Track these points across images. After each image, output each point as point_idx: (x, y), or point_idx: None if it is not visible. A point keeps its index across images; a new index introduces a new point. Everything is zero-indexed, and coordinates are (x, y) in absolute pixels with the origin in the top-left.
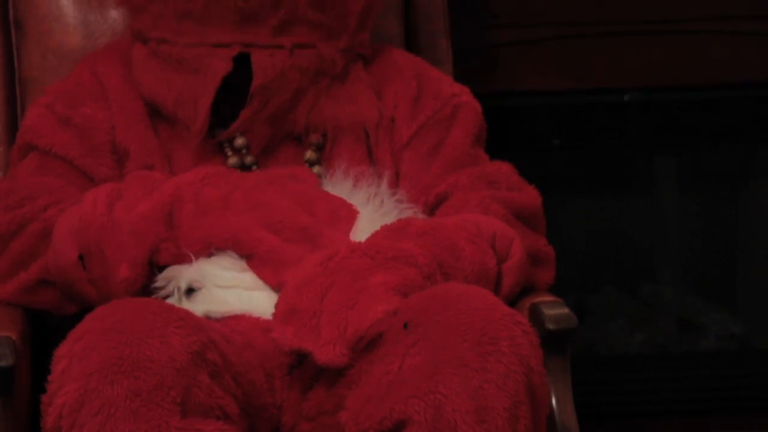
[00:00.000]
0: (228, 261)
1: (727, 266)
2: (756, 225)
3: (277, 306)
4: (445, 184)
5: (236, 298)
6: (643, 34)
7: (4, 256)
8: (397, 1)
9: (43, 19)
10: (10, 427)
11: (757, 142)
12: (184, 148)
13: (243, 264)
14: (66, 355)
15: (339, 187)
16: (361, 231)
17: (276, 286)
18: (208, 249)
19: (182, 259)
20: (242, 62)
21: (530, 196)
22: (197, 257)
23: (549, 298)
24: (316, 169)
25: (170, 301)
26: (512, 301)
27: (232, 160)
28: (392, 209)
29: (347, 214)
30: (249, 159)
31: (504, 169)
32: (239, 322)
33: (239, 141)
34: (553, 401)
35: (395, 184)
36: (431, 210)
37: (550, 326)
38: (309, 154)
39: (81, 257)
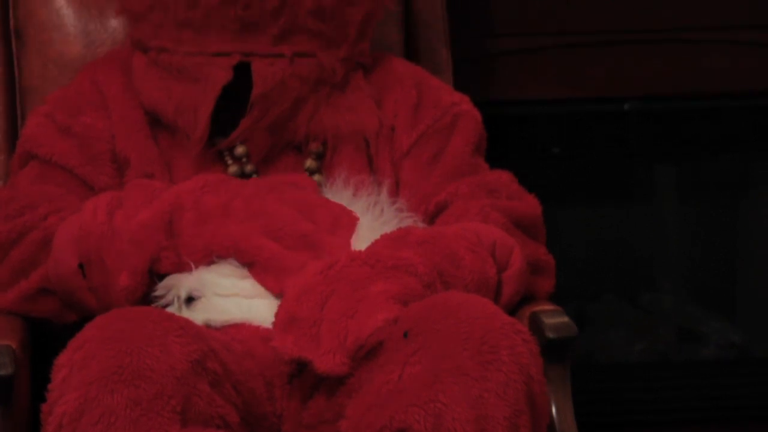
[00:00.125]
0: (228, 269)
1: (727, 275)
2: (755, 234)
3: (277, 315)
4: (445, 192)
5: (236, 307)
6: (643, 43)
7: (4, 265)
8: (397, 9)
9: (44, 29)
10: None
11: (756, 151)
12: (184, 156)
13: (243, 272)
14: (66, 364)
15: (339, 195)
16: (361, 240)
17: (278, 293)
18: (209, 257)
19: (182, 267)
20: (242, 71)
21: (530, 204)
22: (198, 265)
23: (549, 306)
24: (316, 177)
25: (170, 309)
26: (512, 310)
27: (232, 168)
28: (392, 218)
29: (348, 221)
30: (249, 168)
31: (504, 177)
32: (239, 330)
33: (239, 150)
34: (553, 410)
35: (395, 192)
36: (431, 219)
37: (550, 335)
38: (309, 163)
39: (81, 266)
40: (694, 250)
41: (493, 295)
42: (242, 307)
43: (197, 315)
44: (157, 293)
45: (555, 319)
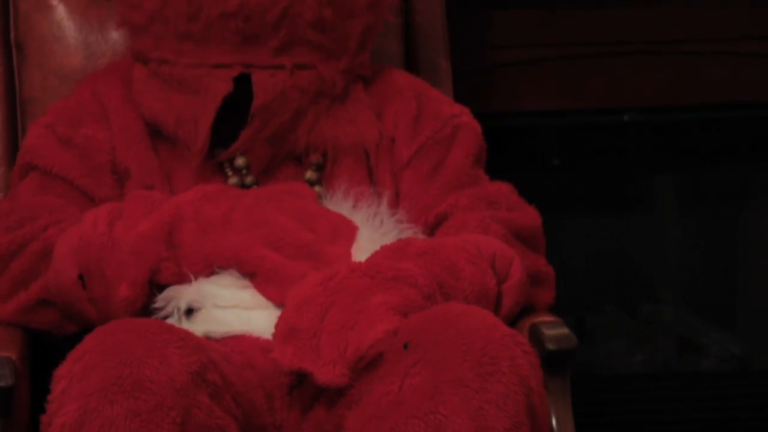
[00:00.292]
0: (228, 279)
1: (728, 286)
2: (756, 245)
3: (277, 326)
4: (445, 204)
5: (236, 318)
6: (643, 54)
7: (4, 276)
8: (397, 21)
9: (44, 41)
10: None
11: (756, 162)
12: (184, 167)
13: (243, 282)
14: (66, 375)
15: (339, 207)
16: (361, 251)
17: (280, 303)
18: (210, 268)
19: (183, 278)
20: (243, 82)
21: (530, 216)
22: (199, 276)
23: (549, 318)
24: (316, 189)
25: (170, 321)
26: (512, 321)
27: (233, 180)
28: (392, 229)
29: (348, 231)
30: (249, 179)
31: (504, 189)
32: (239, 342)
33: (239, 161)
34: (554, 421)
35: (395, 204)
36: (431, 230)
37: (550, 346)
38: (309, 174)
39: (81, 276)
40: (694, 261)
41: (493, 306)
42: (242, 319)
43: (197, 326)
44: (156, 305)
45: (555, 331)
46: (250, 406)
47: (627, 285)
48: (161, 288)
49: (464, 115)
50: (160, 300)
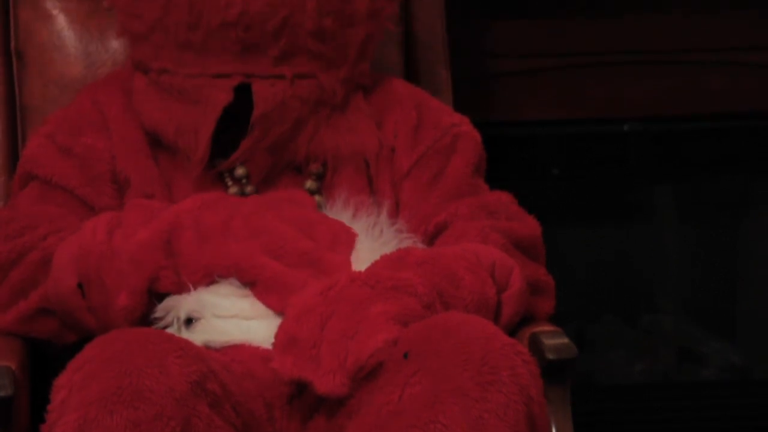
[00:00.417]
0: (227, 289)
1: (728, 296)
2: (756, 254)
3: (276, 336)
4: (444, 213)
5: (235, 328)
6: (643, 64)
7: (3, 286)
8: (397, 31)
9: (44, 50)
10: None
11: (756, 171)
12: (184, 177)
13: (243, 291)
14: (65, 385)
15: (339, 216)
16: (361, 260)
17: (281, 312)
18: (210, 277)
19: (182, 287)
20: (243, 91)
21: (530, 225)
22: (199, 285)
23: (549, 327)
24: (316, 198)
25: (170, 331)
26: (512, 331)
27: (233, 189)
28: (392, 239)
29: (347, 238)
30: (249, 189)
31: (504, 198)
32: (239, 351)
33: (240, 171)
34: (554, 431)
35: (395, 213)
36: (431, 239)
37: (550, 356)
38: (309, 184)
39: (80, 285)
40: (694, 270)
41: (493, 315)
42: (242, 328)
43: (196, 336)
44: (156, 315)
45: (555, 340)
46: (249, 415)
47: (627, 294)
48: (161, 297)
49: (464, 125)
50: (160, 310)
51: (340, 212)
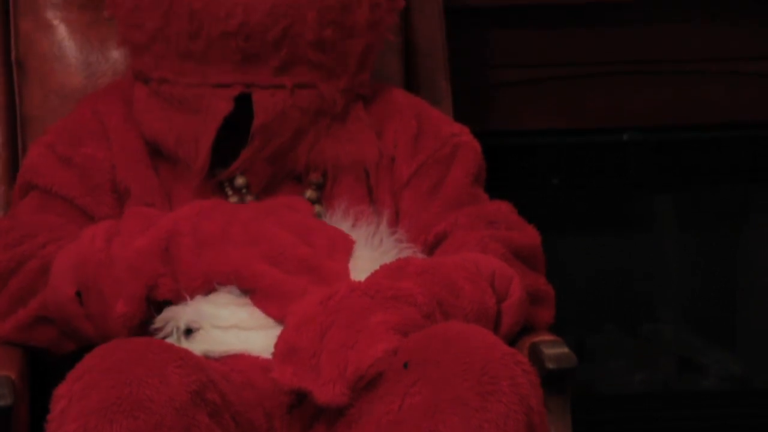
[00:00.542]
0: (226, 298)
1: (728, 306)
2: (756, 264)
3: (276, 345)
4: (444, 223)
5: (235, 338)
6: (643, 73)
7: (2, 294)
8: (397, 41)
9: (45, 60)
10: None
11: (756, 181)
12: (184, 187)
13: (242, 300)
14: (65, 395)
15: (339, 226)
16: (361, 270)
17: (281, 320)
18: (210, 284)
19: (180, 294)
20: (243, 101)
21: (529, 235)
22: (198, 292)
23: (549, 337)
24: (316, 208)
25: (169, 341)
26: (512, 341)
27: (233, 199)
28: (391, 248)
29: (345, 245)
30: (249, 198)
31: (503, 208)
32: (238, 361)
33: (240, 180)
34: None
35: (395, 223)
36: (430, 249)
37: (550, 365)
38: (309, 194)
39: (79, 293)
40: (694, 280)
41: (493, 325)
42: (241, 338)
43: (196, 346)
44: (156, 326)
45: (555, 350)
46: (249, 425)
47: (627, 304)
48: (159, 304)
49: (464, 134)
50: (159, 321)
51: (340, 222)
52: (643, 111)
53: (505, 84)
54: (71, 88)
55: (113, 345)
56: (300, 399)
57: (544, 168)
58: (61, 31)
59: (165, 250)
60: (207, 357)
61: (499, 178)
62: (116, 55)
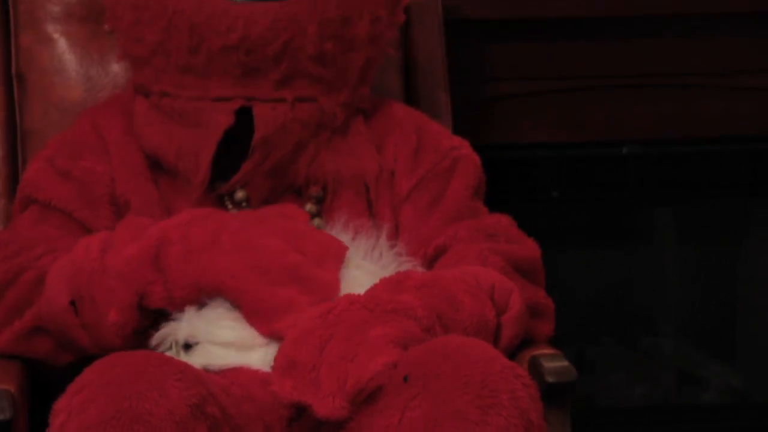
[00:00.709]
0: (221, 312)
1: (728, 319)
2: (756, 278)
3: (276, 359)
4: (444, 236)
5: (233, 353)
6: (642, 87)
7: (0, 306)
8: (397, 55)
9: (45, 73)
10: None
11: (756, 195)
12: (184, 200)
13: (234, 314)
14: (65, 409)
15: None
16: (360, 284)
17: (268, 335)
18: (198, 294)
19: (172, 302)
20: (244, 114)
21: (529, 248)
22: (188, 301)
23: (548, 350)
24: (316, 221)
25: (168, 354)
26: (512, 354)
27: (233, 212)
28: (391, 262)
29: (336, 251)
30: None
31: (503, 221)
32: (238, 374)
33: (240, 194)
34: None
35: (394, 236)
36: (430, 262)
37: (550, 379)
38: (309, 207)
39: (73, 303)
40: (694, 294)
41: (493, 338)
42: (239, 353)
43: (195, 359)
44: (154, 343)
45: (555, 363)
46: None
47: (627, 318)
48: (152, 312)
49: (464, 148)
50: (157, 338)
51: (339, 235)
52: (643, 124)
53: (505, 97)
54: (71, 102)
55: (113, 358)
56: (300, 412)
57: (543, 181)
58: (62, 44)
59: (155, 258)
60: (206, 370)
61: (499, 191)
62: (116, 68)
